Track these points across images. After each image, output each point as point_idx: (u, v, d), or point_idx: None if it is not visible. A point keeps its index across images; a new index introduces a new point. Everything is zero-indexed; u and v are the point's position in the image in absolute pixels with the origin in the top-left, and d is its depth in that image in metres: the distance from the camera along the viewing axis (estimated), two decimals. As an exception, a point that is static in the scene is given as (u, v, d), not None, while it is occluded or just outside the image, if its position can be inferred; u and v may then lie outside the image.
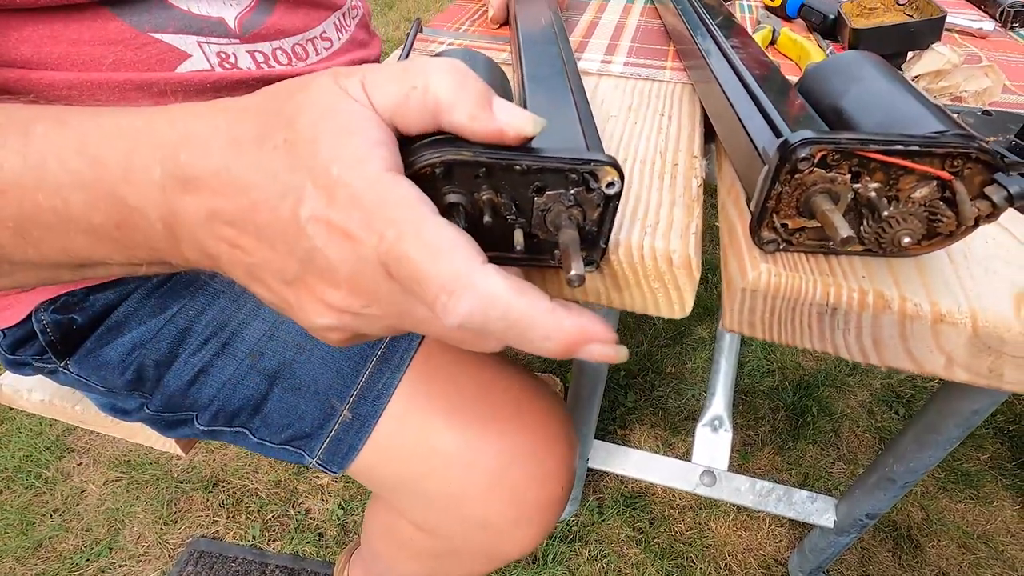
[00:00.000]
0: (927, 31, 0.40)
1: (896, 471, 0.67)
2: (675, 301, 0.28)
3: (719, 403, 0.84)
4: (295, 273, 0.22)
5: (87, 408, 0.62)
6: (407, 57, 0.45)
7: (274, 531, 1.04)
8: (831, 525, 0.79)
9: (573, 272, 0.21)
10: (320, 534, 1.03)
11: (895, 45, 0.41)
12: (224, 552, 1.01)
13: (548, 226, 0.24)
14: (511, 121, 0.22)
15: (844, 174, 0.24)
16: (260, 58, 0.47)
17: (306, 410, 0.47)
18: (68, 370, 0.47)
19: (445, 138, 0.23)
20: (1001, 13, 0.54)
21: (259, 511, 1.06)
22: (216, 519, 1.06)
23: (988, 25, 0.51)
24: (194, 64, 0.43)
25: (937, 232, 0.25)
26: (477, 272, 0.19)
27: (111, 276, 0.34)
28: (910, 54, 0.41)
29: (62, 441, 1.17)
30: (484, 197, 0.23)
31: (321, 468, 0.47)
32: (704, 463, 0.83)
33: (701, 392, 1.26)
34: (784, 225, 0.26)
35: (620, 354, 0.21)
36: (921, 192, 0.24)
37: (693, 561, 1.00)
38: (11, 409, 1.22)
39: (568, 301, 0.21)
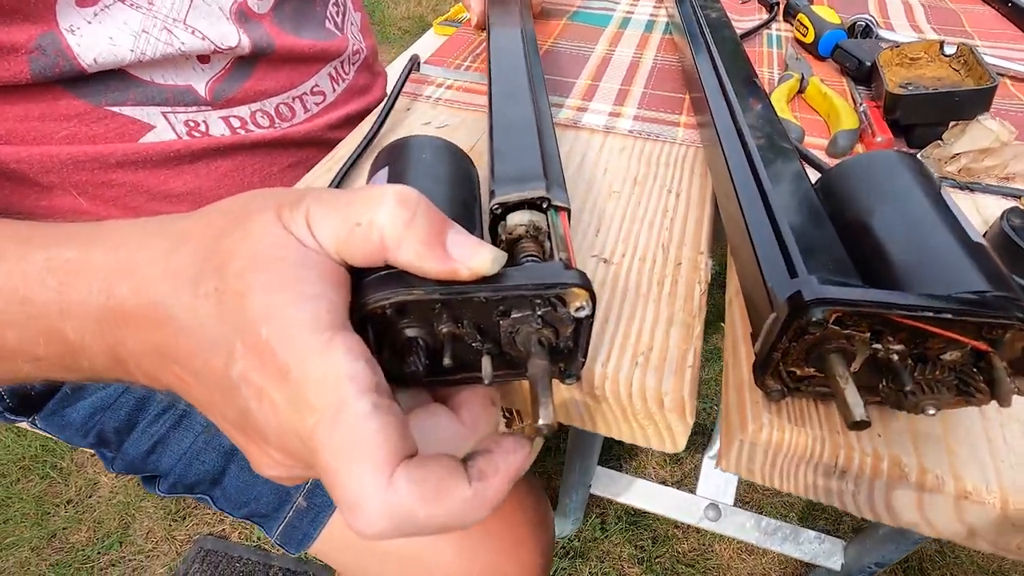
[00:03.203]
0: (975, 101, 0.35)
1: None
2: (666, 439, 0.26)
3: (728, 435, 0.81)
4: (237, 422, 0.20)
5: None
6: (396, 98, 0.42)
7: (278, 533, 1.05)
8: (838, 568, 0.77)
9: (542, 422, 0.19)
10: (323, 538, 1.04)
11: (936, 115, 0.36)
12: (230, 552, 1.03)
13: (518, 347, 0.22)
14: (466, 259, 0.20)
15: (863, 332, 0.21)
16: (236, 123, 0.44)
17: (262, 492, 0.46)
18: (36, 425, 0.47)
19: (398, 272, 0.20)
20: (1063, 53, 0.49)
21: (264, 512, 1.08)
22: (223, 518, 1.07)
23: (1047, 71, 0.46)
24: (158, 135, 0.40)
25: (968, 401, 0.22)
26: (382, 489, 0.17)
27: None
28: (951, 122, 0.37)
29: (77, 432, 1.20)
30: (444, 330, 0.21)
31: (280, 546, 0.47)
32: (709, 496, 0.81)
33: (713, 405, 1.23)
34: (791, 372, 0.23)
35: (537, 446, 0.20)
36: (952, 355, 0.21)
37: (695, 584, 0.99)
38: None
39: (483, 459, 0.19)
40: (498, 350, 0.23)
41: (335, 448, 0.17)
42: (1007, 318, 0.20)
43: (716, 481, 0.83)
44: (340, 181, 0.34)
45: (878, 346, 0.21)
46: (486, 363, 0.22)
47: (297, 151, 0.48)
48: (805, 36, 0.50)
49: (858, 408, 0.19)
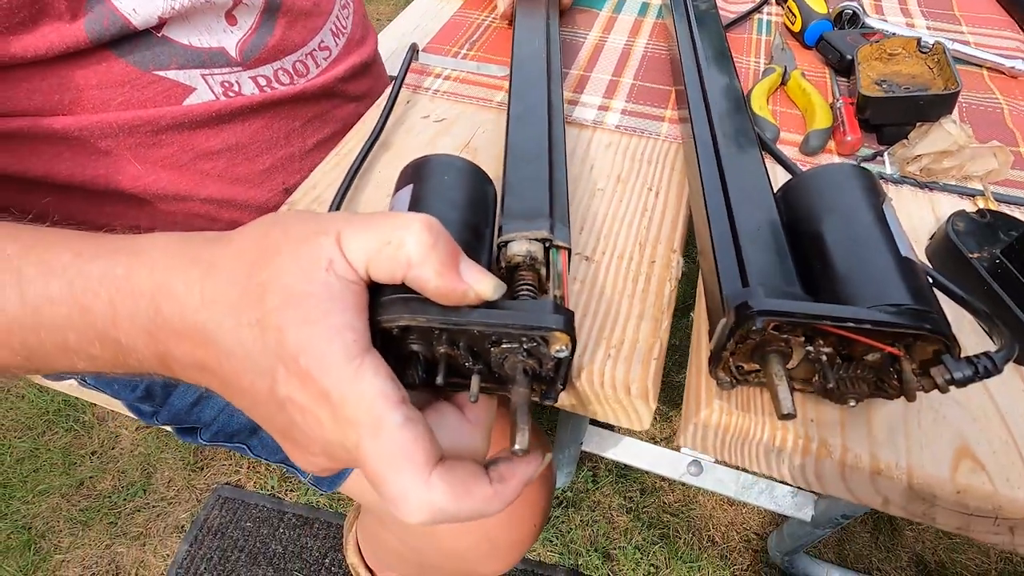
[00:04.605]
0: (938, 104, 0.38)
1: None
2: (633, 420, 0.30)
3: (712, 398, 0.86)
4: (280, 430, 0.24)
5: (111, 395, 0.67)
6: (398, 93, 0.44)
7: (290, 482, 1.12)
8: (808, 520, 0.83)
9: (517, 446, 0.23)
10: (333, 488, 1.12)
11: (903, 116, 0.39)
12: (246, 499, 1.10)
13: (506, 371, 0.25)
14: (474, 284, 0.23)
15: (798, 336, 0.25)
16: (263, 82, 0.47)
17: None
18: (87, 381, 0.52)
19: (407, 297, 0.24)
20: (1042, 43, 0.50)
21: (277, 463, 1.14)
22: (238, 468, 1.14)
23: (1022, 64, 0.48)
24: (199, 96, 0.44)
25: (883, 395, 0.25)
26: (421, 489, 0.21)
27: None
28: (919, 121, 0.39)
29: (96, 388, 1.26)
30: (441, 350, 0.25)
31: (313, 486, 0.52)
32: (692, 453, 0.86)
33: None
34: (739, 367, 0.27)
35: (547, 460, 0.26)
36: (873, 356, 0.25)
37: (678, 532, 1.07)
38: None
39: (504, 465, 0.24)
40: (488, 370, 0.26)
41: (380, 457, 0.21)
42: (916, 328, 0.23)
43: (700, 440, 0.88)
44: (350, 183, 0.37)
45: (810, 348, 0.25)
46: (474, 383, 0.25)
47: (315, 105, 0.52)
48: (793, 24, 0.52)
49: (786, 403, 0.23)
